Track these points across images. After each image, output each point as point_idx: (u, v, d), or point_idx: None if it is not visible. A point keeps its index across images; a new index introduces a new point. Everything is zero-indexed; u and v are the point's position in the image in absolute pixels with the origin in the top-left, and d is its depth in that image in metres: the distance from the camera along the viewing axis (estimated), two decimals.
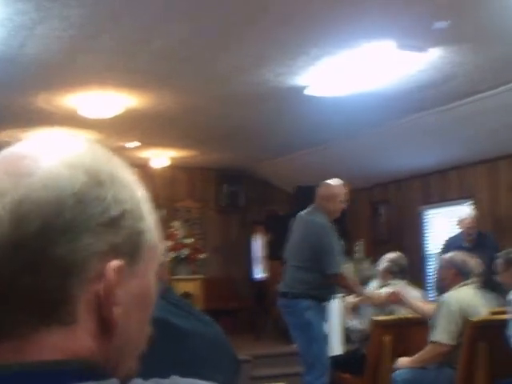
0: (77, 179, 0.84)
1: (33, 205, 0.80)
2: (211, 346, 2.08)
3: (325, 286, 6.24)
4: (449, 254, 5.78)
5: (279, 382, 7.93)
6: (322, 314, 6.38)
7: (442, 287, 5.75)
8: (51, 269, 0.81)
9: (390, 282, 6.43)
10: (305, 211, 6.57)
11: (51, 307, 0.82)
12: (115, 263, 0.85)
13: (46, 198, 0.81)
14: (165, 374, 1.52)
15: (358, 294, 6.61)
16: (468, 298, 5.34)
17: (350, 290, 6.77)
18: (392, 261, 6.54)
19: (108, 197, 0.86)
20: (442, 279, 5.74)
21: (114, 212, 0.86)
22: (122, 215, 0.86)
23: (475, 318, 5.11)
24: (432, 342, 5.29)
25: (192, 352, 2.01)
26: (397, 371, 5.52)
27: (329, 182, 6.55)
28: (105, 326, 0.86)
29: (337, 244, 6.27)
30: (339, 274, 6.22)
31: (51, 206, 0.81)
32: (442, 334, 5.23)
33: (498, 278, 5.64)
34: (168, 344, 1.97)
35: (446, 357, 5.26)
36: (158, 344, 1.95)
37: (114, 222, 0.85)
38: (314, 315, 6.20)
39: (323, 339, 6.30)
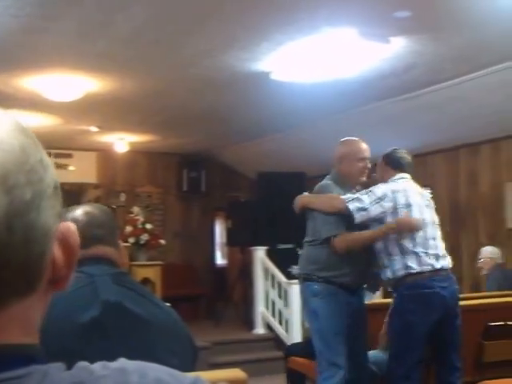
0: (37, 147, 0.84)
1: (19, 174, 0.79)
2: (167, 331, 2.10)
3: (340, 265, 4.92)
4: None
5: (238, 368, 7.96)
6: (336, 305, 4.94)
7: None
8: (39, 236, 0.80)
9: None
10: None
11: (36, 276, 0.82)
12: (68, 224, 0.87)
13: (26, 164, 0.80)
14: (118, 356, 1.51)
15: (378, 233, 4.92)
16: None
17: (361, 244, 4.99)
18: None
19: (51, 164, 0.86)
20: None
21: (56, 178, 0.86)
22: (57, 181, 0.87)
23: None
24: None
25: (147, 337, 2.03)
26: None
27: (341, 140, 5.38)
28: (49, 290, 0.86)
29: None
30: (332, 237, 4.90)
31: (33, 173, 0.81)
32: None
33: None
34: (123, 328, 1.99)
35: None
36: (112, 328, 1.96)
37: (57, 188, 0.86)
38: (323, 304, 4.92)
39: (330, 336, 4.89)
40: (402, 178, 5.12)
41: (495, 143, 8.88)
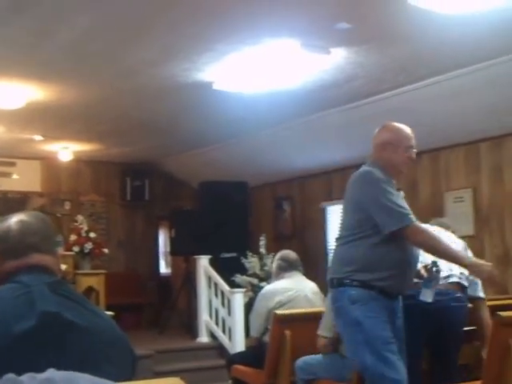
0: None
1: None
2: (106, 339, 2.08)
3: (382, 265, 4.21)
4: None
5: (181, 376, 7.96)
6: (381, 311, 4.23)
7: None
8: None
9: (285, 275, 6.50)
10: None
11: None
12: None
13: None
14: (56, 367, 1.54)
15: (454, 258, 4.28)
16: None
17: (434, 251, 4.29)
18: (279, 258, 6.64)
19: None
20: None
21: None
22: None
23: None
24: (317, 335, 5.49)
25: (86, 346, 2.01)
26: (299, 359, 5.66)
27: (385, 124, 4.69)
28: None
29: (390, 193, 4.21)
30: (409, 225, 4.13)
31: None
32: (321, 328, 5.45)
33: None
34: (61, 338, 1.97)
35: (330, 347, 5.46)
36: (50, 338, 1.95)
37: None
38: (366, 312, 4.19)
39: (382, 347, 4.16)
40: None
41: (434, 153, 9.03)
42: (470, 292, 5.20)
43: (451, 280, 5.07)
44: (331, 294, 4.46)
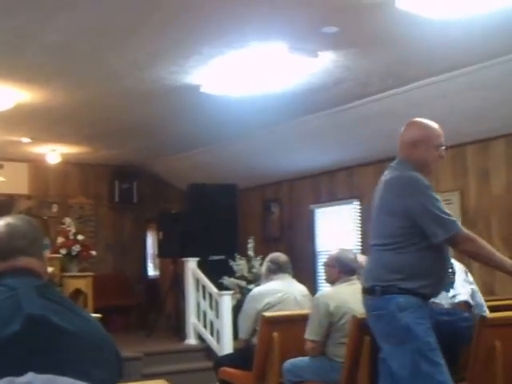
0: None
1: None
2: (92, 343, 2.08)
3: (427, 272, 4.16)
4: (335, 252, 5.95)
5: (170, 379, 7.97)
6: (427, 318, 4.16)
7: (331, 283, 5.90)
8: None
9: (274, 277, 6.51)
10: (386, 170, 4.43)
11: None
12: None
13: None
14: (42, 371, 1.54)
15: (499, 266, 4.21)
16: (341, 296, 5.53)
17: (484, 260, 4.27)
18: (269, 260, 6.66)
19: None
20: (327, 277, 5.94)
21: None
22: None
23: (355, 314, 5.28)
24: (304, 339, 5.53)
25: (72, 349, 2.01)
26: (286, 361, 5.69)
27: (414, 120, 4.46)
28: None
29: (436, 200, 4.14)
30: (456, 234, 4.06)
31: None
32: (309, 332, 5.47)
33: None
34: (47, 342, 1.97)
35: (318, 350, 5.49)
36: (36, 342, 1.96)
37: None
38: (416, 318, 4.09)
39: (432, 354, 4.05)
40: None
41: None
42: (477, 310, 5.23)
43: (458, 299, 5.09)
44: (371, 302, 4.25)
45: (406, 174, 4.18)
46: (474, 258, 4.34)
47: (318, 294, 5.99)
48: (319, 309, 5.48)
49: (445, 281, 4.36)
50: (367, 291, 4.26)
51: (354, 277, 5.71)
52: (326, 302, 5.48)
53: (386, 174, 4.29)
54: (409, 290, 4.08)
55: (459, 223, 4.08)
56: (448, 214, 4.06)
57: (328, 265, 5.84)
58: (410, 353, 4.03)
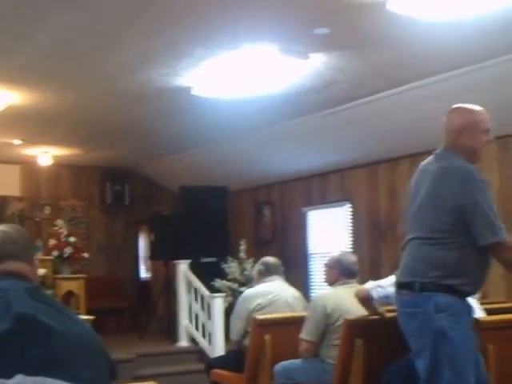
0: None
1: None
2: (82, 344, 2.10)
3: (470, 270, 3.96)
4: (336, 254, 5.99)
5: (162, 381, 7.96)
6: (469, 323, 3.96)
7: (330, 284, 5.92)
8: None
9: (265, 279, 6.54)
10: (430, 158, 4.19)
11: None
12: None
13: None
14: (29, 371, 1.55)
15: None
16: (339, 298, 5.54)
17: None
18: (260, 263, 6.72)
19: None
20: (326, 278, 5.95)
21: None
22: None
23: (350, 317, 5.29)
24: (299, 339, 5.54)
25: (62, 350, 2.02)
26: (278, 363, 5.71)
27: (457, 106, 4.23)
28: None
29: (490, 199, 3.94)
30: (502, 242, 3.89)
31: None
32: (305, 332, 5.48)
33: None
34: (37, 341, 1.98)
35: (312, 351, 5.51)
36: (25, 341, 1.98)
37: None
38: (454, 323, 3.86)
39: (464, 364, 3.85)
40: None
41: (414, 158, 9.08)
42: None
43: None
44: (407, 298, 4.06)
45: (460, 166, 3.96)
46: (510, 267, 4.23)
47: (317, 295, 6.02)
48: (316, 310, 5.50)
49: (484, 281, 4.13)
50: (404, 286, 4.06)
51: (354, 280, 5.74)
52: (323, 303, 5.51)
53: (432, 163, 4.07)
54: (450, 288, 3.88)
55: (505, 231, 3.91)
56: (498, 219, 3.89)
57: (329, 266, 5.86)
58: (438, 357, 3.86)
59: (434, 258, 3.93)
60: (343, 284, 5.69)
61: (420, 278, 3.93)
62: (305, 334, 5.52)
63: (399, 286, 4.11)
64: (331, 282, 5.82)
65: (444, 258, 3.90)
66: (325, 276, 6.01)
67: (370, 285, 5.10)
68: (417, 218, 4.06)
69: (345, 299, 5.50)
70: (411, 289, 3.98)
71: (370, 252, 9.53)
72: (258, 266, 6.73)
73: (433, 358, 3.86)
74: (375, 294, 4.98)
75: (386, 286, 5.02)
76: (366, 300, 5.00)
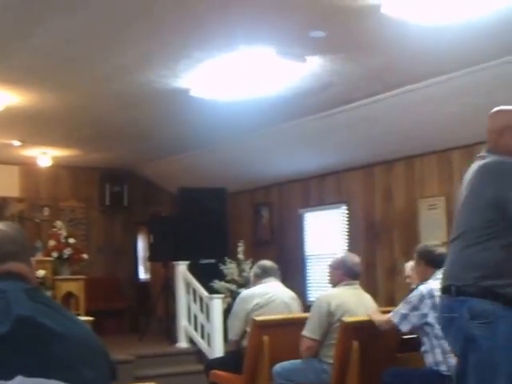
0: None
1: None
2: (82, 345, 2.08)
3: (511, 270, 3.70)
4: (340, 255, 6.06)
5: (161, 381, 7.97)
6: (506, 331, 3.63)
7: (334, 284, 5.98)
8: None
9: (262, 281, 6.59)
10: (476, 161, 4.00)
11: None
12: None
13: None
14: (30, 373, 1.58)
15: None
16: (342, 297, 5.60)
17: None
18: (256, 266, 6.78)
19: None
20: (330, 278, 6.01)
21: None
22: None
23: (348, 319, 5.35)
24: (302, 336, 5.59)
25: (62, 351, 2.01)
26: (277, 364, 5.75)
27: (499, 109, 4.09)
28: None
29: None
30: None
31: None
32: (307, 330, 5.53)
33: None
34: (37, 343, 1.98)
35: (314, 350, 5.55)
36: (25, 343, 1.99)
37: None
38: (486, 332, 3.62)
39: (494, 377, 3.62)
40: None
41: (409, 160, 9.13)
42: None
43: None
44: (444, 303, 3.92)
45: (499, 160, 3.82)
46: None
47: (321, 294, 6.09)
48: (321, 308, 5.57)
49: None
50: (442, 290, 3.92)
51: (357, 281, 5.82)
52: (328, 301, 5.58)
53: (474, 165, 3.92)
54: (490, 291, 3.64)
55: None
56: None
57: (333, 267, 5.93)
58: (466, 364, 3.71)
59: (471, 259, 3.74)
60: (347, 285, 5.77)
61: (456, 282, 3.78)
62: (307, 332, 5.57)
63: (441, 290, 3.96)
64: (335, 282, 5.88)
65: (484, 257, 3.69)
66: (329, 277, 6.07)
67: (398, 312, 5.15)
68: (458, 218, 3.93)
69: (348, 299, 5.59)
70: (448, 293, 3.84)
71: (366, 253, 9.57)
72: (254, 269, 6.79)
73: (462, 365, 3.76)
74: (414, 319, 5.06)
75: (415, 301, 5.07)
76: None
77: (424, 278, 5.29)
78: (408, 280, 7.91)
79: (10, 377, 1.40)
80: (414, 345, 5.42)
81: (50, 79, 7.36)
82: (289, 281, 6.96)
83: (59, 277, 10.28)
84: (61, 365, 1.96)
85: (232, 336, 6.56)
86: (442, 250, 5.09)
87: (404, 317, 5.12)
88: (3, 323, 1.96)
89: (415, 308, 5.13)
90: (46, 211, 12.50)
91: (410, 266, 7.94)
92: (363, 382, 5.22)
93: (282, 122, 9.17)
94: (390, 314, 5.22)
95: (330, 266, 6.01)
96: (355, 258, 5.96)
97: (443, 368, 5.01)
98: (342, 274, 5.80)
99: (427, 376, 5.10)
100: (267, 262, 6.74)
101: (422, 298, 5.13)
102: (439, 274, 4.52)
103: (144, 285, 13.33)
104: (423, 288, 5.17)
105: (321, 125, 8.98)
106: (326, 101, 8.14)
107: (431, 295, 5.06)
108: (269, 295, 6.40)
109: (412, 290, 7.82)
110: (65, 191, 12.83)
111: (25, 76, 7.20)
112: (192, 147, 10.85)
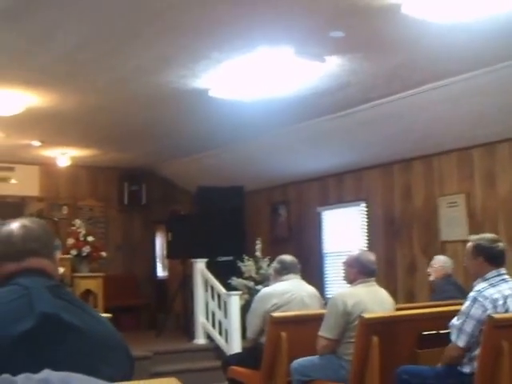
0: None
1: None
2: (103, 341, 2.14)
3: None
4: (355, 253, 6.03)
5: (178, 377, 8.00)
6: None
7: (349, 282, 5.95)
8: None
9: (282, 278, 6.55)
10: None
11: None
12: None
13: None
14: (54, 367, 1.61)
15: None
16: (358, 296, 5.60)
17: None
18: (276, 262, 6.69)
19: None
20: (346, 276, 5.99)
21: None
22: None
23: (367, 315, 5.35)
24: (318, 336, 5.59)
25: (84, 347, 2.06)
26: (294, 361, 5.76)
27: None
28: None
29: None
30: None
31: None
32: (324, 329, 5.54)
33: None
34: (59, 339, 2.03)
35: (330, 348, 5.57)
36: (48, 339, 2.03)
37: None
38: None
39: None
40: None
41: (428, 159, 9.13)
42: None
43: None
44: None
45: None
46: None
47: (337, 293, 6.04)
48: (337, 307, 5.52)
49: None
50: None
51: (372, 278, 5.78)
52: (344, 300, 5.52)
53: None
54: None
55: None
56: None
57: (348, 265, 5.89)
58: None
59: None
60: (362, 282, 5.71)
61: None
62: (323, 331, 5.55)
63: None
64: (350, 280, 5.83)
65: None
66: (344, 275, 6.01)
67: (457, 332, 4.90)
68: None
69: (364, 297, 5.56)
70: None
71: (385, 251, 9.60)
72: (274, 265, 6.70)
73: None
74: (468, 328, 4.78)
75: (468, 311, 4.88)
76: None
77: (479, 275, 4.98)
78: (430, 271, 7.87)
79: (35, 371, 1.43)
80: (435, 341, 5.41)
81: (69, 81, 7.42)
82: (307, 278, 6.94)
83: (78, 274, 10.35)
84: (82, 361, 2.01)
85: (250, 334, 6.56)
86: (502, 245, 4.99)
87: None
88: (27, 319, 2.00)
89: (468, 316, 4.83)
90: (65, 210, 12.60)
91: (439, 259, 7.88)
92: (382, 378, 5.21)
93: (300, 121, 9.20)
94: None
95: (345, 263, 5.94)
96: (370, 256, 5.91)
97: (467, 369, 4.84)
98: (356, 271, 5.76)
99: (445, 374, 5.07)
100: (287, 257, 6.64)
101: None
102: (503, 271, 4.63)
103: (162, 282, 13.39)
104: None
105: (339, 124, 9.01)
106: (344, 100, 8.16)
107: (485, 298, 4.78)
108: (288, 294, 6.34)
109: (432, 283, 7.72)
110: (83, 190, 12.93)
111: (45, 77, 7.26)
112: (210, 146, 10.90)
